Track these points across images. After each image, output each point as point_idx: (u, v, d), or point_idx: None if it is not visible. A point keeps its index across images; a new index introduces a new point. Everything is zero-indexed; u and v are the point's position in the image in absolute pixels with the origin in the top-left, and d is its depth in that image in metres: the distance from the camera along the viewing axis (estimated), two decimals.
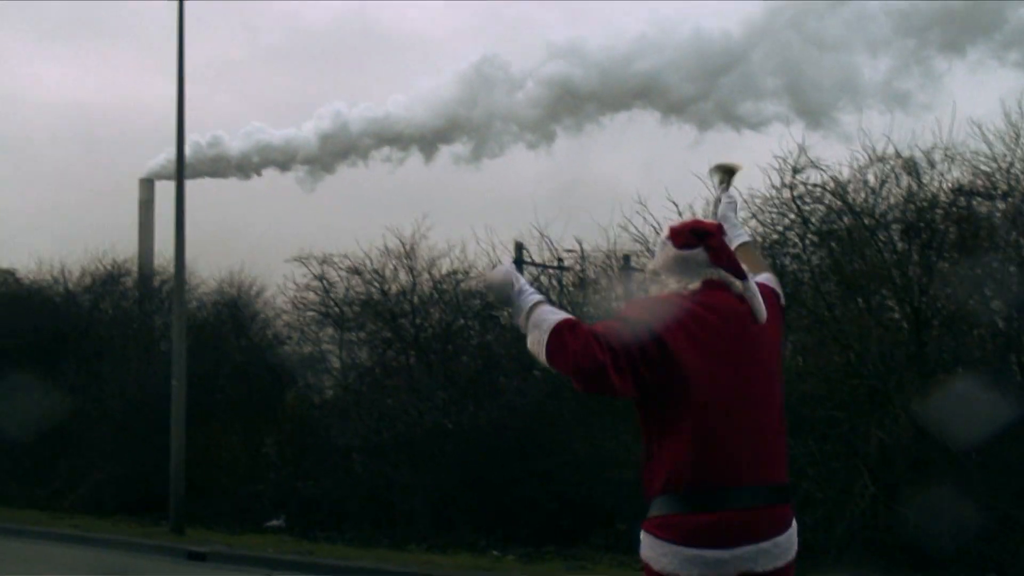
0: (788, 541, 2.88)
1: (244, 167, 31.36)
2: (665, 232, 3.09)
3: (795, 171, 11.58)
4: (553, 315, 2.83)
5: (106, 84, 50.16)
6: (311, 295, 16.85)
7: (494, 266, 3.20)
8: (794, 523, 2.93)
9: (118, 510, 15.77)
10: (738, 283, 2.94)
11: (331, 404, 15.25)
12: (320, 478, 13.41)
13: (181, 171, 14.72)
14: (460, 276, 15.39)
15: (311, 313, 17.03)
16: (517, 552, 11.16)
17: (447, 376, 13.24)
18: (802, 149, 11.42)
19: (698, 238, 2.96)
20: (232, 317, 17.75)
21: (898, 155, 10.15)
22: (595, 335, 2.73)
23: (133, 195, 37.03)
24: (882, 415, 9.03)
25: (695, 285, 2.94)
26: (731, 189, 3.60)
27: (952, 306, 9.58)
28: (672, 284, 2.98)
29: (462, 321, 14.91)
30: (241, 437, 14.53)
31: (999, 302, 9.91)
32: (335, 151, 28.91)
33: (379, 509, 12.68)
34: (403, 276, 15.75)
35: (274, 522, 13.83)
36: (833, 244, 11.36)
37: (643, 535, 2.90)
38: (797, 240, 12.12)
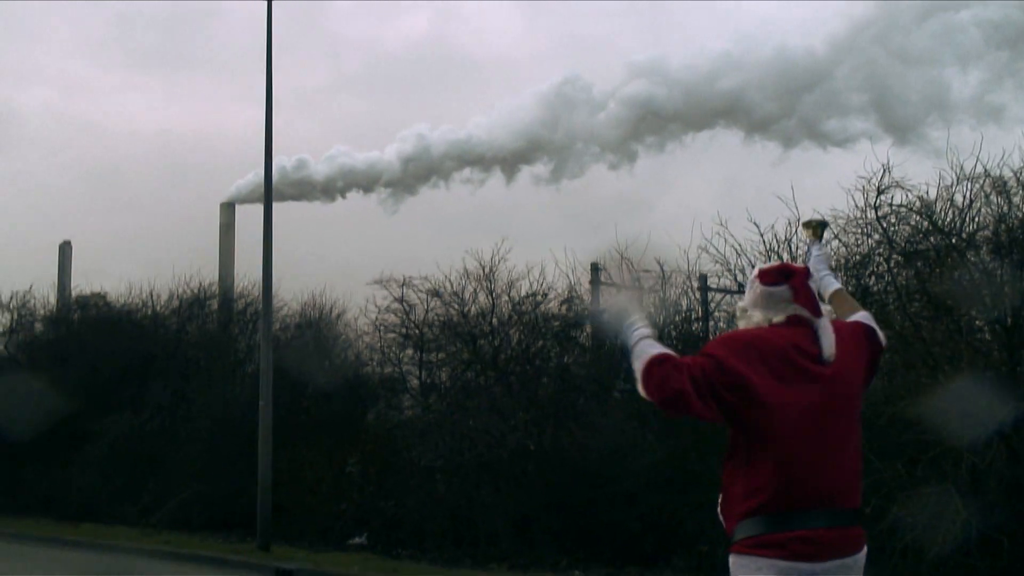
0: (862, 559, 3.16)
1: (328, 190, 31.92)
2: (755, 272, 3.48)
3: (879, 191, 11.48)
4: (651, 349, 3.18)
5: (190, 112, 51.65)
6: (391, 317, 17.15)
7: (613, 298, 3.66)
8: (865, 546, 3.19)
9: (204, 527, 16.13)
10: (813, 320, 3.26)
11: (412, 424, 15.42)
12: (402, 497, 13.56)
13: (269, 194, 15.07)
14: (539, 298, 15.51)
15: (391, 335, 17.30)
16: (599, 573, 11.16)
17: (528, 397, 13.33)
18: (886, 169, 11.32)
19: (784, 277, 3.33)
20: (315, 339, 18.09)
21: (987, 174, 9.99)
22: (680, 366, 3.09)
23: (215, 219, 38.01)
24: (974, 438, 8.85)
25: (780, 319, 3.26)
26: (822, 241, 4.00)
27: None
28: (758, 318, 3.33)
29: (541, 343, 15.00)
30: (325, 457, 14.74)
31: None
32: (417, 173, 29.31)
33: (461, 528, 12.77)
34: (482, 298, 15.95)
35: (356, 540, 14.00)
36: (919, 264, 11.22)
37: (734, 557, 3.12)
38: (882, 261, 11.98)
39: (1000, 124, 18.85)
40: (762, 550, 3.02)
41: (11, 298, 22.16)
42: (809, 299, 3.30)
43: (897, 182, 11.28)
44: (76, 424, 18.40)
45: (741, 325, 3.42)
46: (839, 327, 3.32)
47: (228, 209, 38.08)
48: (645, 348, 3.18)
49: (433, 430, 13.91)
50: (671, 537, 11.10)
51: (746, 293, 3.47)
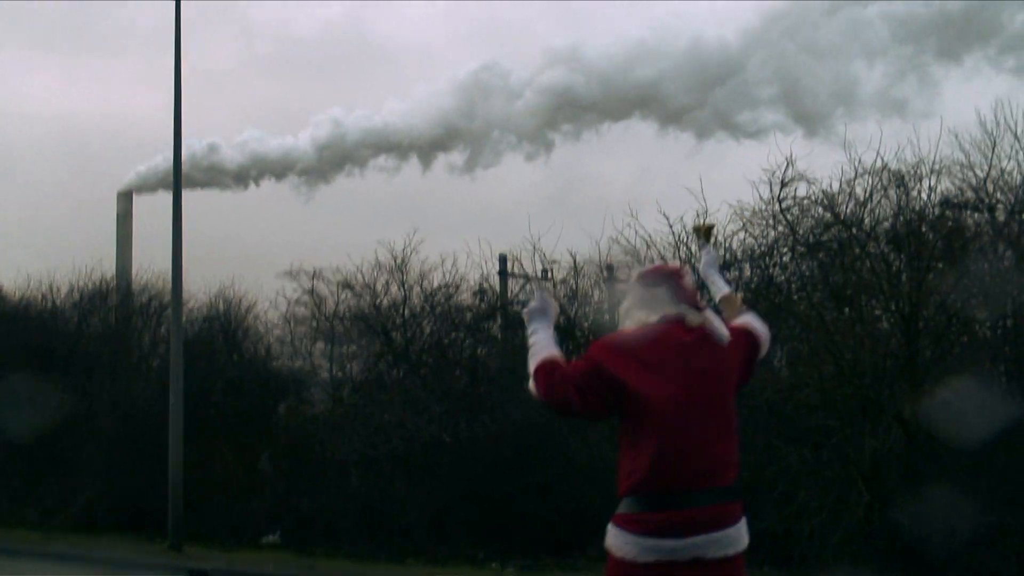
0: (737, 533, 3.37)
1: (241, 177, 31.21)
2: (634, 275, 3.73)
3: (783, 184, 11.79)
4: (543, 352, 3.55)
5: (92, 96, 49.99)
6: (302, 310, 16.99)
7: (533, 297, 3.77)
8: (743, 519, 3.41)
9: (111, 528, 15.75)
10: (696, 315, 3.51)
11: (325, 418, 15.31)
12: (316, 493, 13.45)
13: (178, 181, 14.70)
14: (451, 289, 15.53)
15: (302, 328, 17.14)
16: (516, 564, 11.27)
17: (441, 389, 13.35)
18: (789, 162, 11.63)
19: (662, 278, 3.61)
20: (224, 332, 17.79)
21: (885, 167, 10.36)
22: (566, 376, 3.43)
23: (113, 208, 36.94)
24: (875, 424, 9.20)
25: (655, 318, 3.50)
26: (710, 244, 4.23)
27: (941, 316, 9.78)
28: (639, 316, 3.56)
29: (453, 334, 15.02)
30: (236, 452, 14.52)
31: (986, 311, 10.13)
32: (332, 160, 28.86)
33: (376, 523, 12.75)
34: (394, 289, 15.89)
35: (270, 537, 13.85)
36: (821, 255, 11.57)
37: (610, 528, 3.45)
38: (787, 251, 12.32)
39: (904, 117, 19.49)
40: (632, 525, 3.34)
41: None
42: (688, 295, 3.55)
43: (801, 175, 11.60)
44: None
45: (625, 325, 3.61)
46: (732, 331, 3.61)
47: (125, 198, 37.03)
48: (540, 352, 3.54)
49: (346, 424, 13.83)
50: (586, 526, 11.26)
51: (628, 294, 3.69)
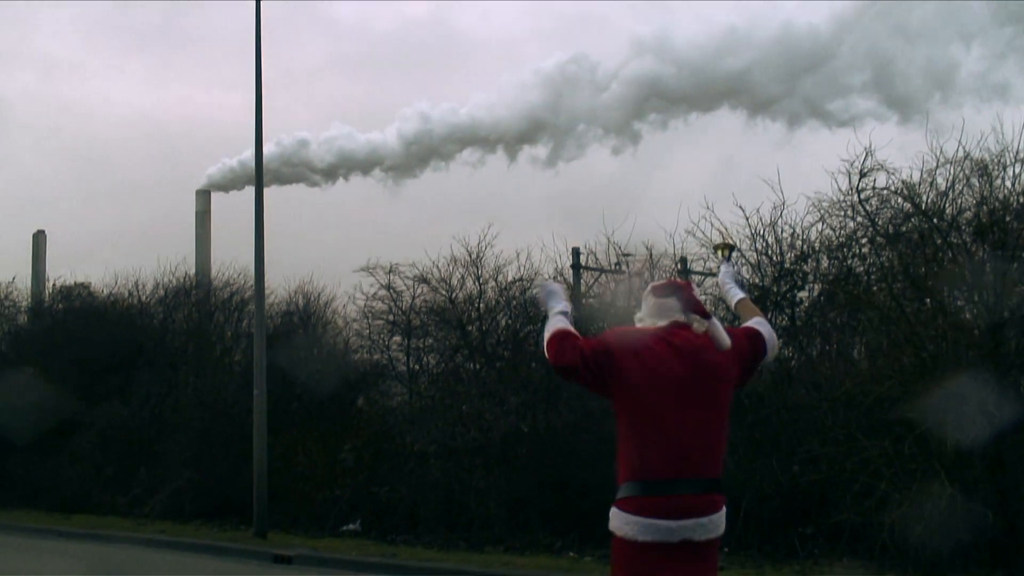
0: (719, 519, 3.75)
1: (330, 173, 31.54)
2: (648, 288, 4.08)
3: (862, 174, 11.69)
4: (559, 324, 3.93)
5: (176, 97, 51.27)
6: (379, 304, 17.27)
7: (540, 284, 4.19)
8: (723, 508, 3.77)
9: (197, 516, 16.23)
10: (703, 322, 3.86)
11: (404, 410, 15.57)
12: (396, 483, 13.70)
13: (260, 179, 15.05)
14: (526, 283, 15.67)
15: (379, 321, 17.43)
16: (594, 553, 11.36)
17: (518, 381, 13.49)
18: (869, 152, 11.53)
19: (673, 290, 3.98)
20: (304, 326, 18.18)
21: (968, 156, 10.22)
22: (576, 344, 3.81)
23: (191, 207, 37.83)
24: (958, 416, 9.11)
25: (663, 323, 3.88)
26: (730, 261, 4.62)
27: None
28: (648, 323, 3.95)
29: (529, 327, 15.16)
30: (317, 443, 14.86)
31: None
32: (419, 154, 29.05)
33: (455, 512, 12.95)
34: (470, 284, 16.10)
35: (350, 526, 14.15)
36: (901, 247, 11.44)
37: (613, 511, 3.81)
38: (865, 242, 12.21)
39: (1006, 101, 18.94)
40: (632, 508, 3.71)
41: None
42: (697, 306, 3.92)
43: (880, 164, 11.50)
44: (64, 415, 18.41)
45: (639, 326, 4.01)
46: (727, 330, 3.96)
47: (203, 196, 37.89)
48: (555, 323, 3.94)
49: (426, 415, 14.07)
50: None
51: (643, 303, 4.06)
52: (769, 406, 11.31)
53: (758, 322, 4.15)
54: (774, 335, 4.14)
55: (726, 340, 3.86)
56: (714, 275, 14.00)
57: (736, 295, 4.43)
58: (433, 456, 13.21)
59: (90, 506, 17.76)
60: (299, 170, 32.02)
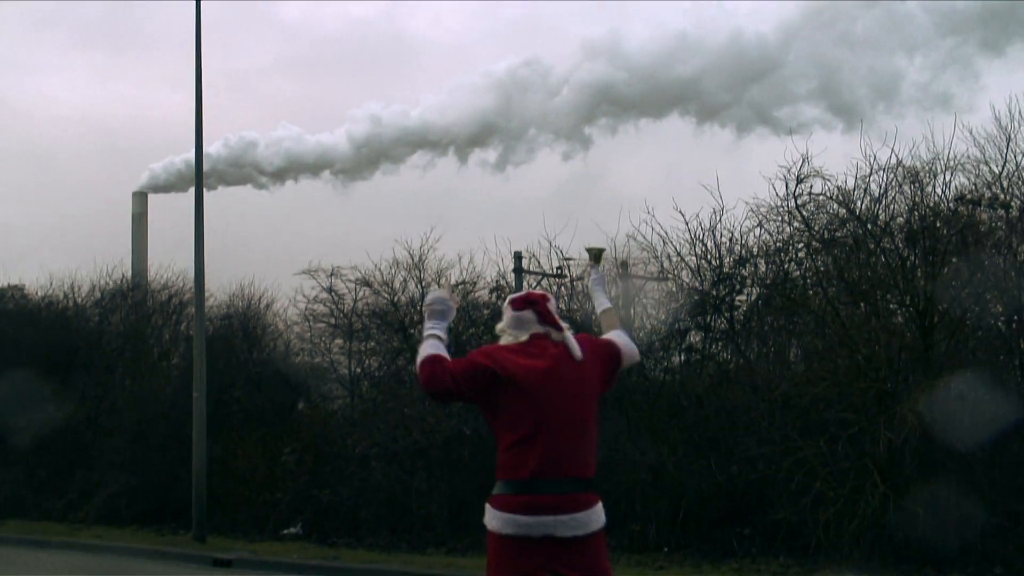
0: (586, 518, 3.96)
1: (279, 175, 31.08)
2: (506, 301, 4.33)
3: (799, 180, 11.95)
4: (430, 350, 4.12)
5: (117, 96, 50.37)
6: (320, 307, 17.19)
7: (430, 300, 4.36)
8: (596, 506, 4.01)
9: (134, 521, 16.01)
10: (558, 333, 4.12)
11: (347, 413, 15.53)
12: (337, 486, 13.66)
13: (200, 181, 14.88)
14: (468, 286, 15.73)
15: (320, 324, 17.35)
16: None
17: None
18: (805, 158, 11.80)
19: (529, 303, 4.21)
20: (243, 329, 18.03)
21: (900, 164, 10.52)
22: (445, 368, 4.04)
23: (127, 208, 37.16)
24: (890, 416, 9.35)
25: (524, 337, 4.14)
26: (599, 266, 4.87)
27: (955, 310, 9.92)
28: (510, 337, 4.18)
29: (472, 330, 15.20)
30: (258, 447, 14.75)
31: (1000, 306, 10.28)
32: (370, 158, 28.77)
33: (397, 515, 12.95)
34: (412, 286, 16.12)
35: (291, 529, 14.06)
36: (836, 252, 11.71)
37: (487, 507, 4.09)
38: (802, 247, 12.47)
39: (948, 111, 19.42)
40: (498, 504, 4.00)
41: None
42: (551, 319, 4.17)
43: (816, 171, 11.76)
44: None
45: (502, 342, 4.23)
46: (584, 339, 4.21)
47: (141, 198, 37.26)
48: (427, 348, 4.13)
49: (367, 418, 14.04)
50: (608, 517, 11.43)
51: (503, 316, 4.29)
52: (708, 407, 11.50)
53: (616, 334, 4.39)
54: (632, 345, 4.39)
55: (578, 350, 4.11)
56: (656, 279, 14.22)
57: (602, 304, 4.67)
58: (375, 459, 13.19)
59: (23, 511, 17.42)
60: (246, 171, 31.61)
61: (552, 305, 4.24)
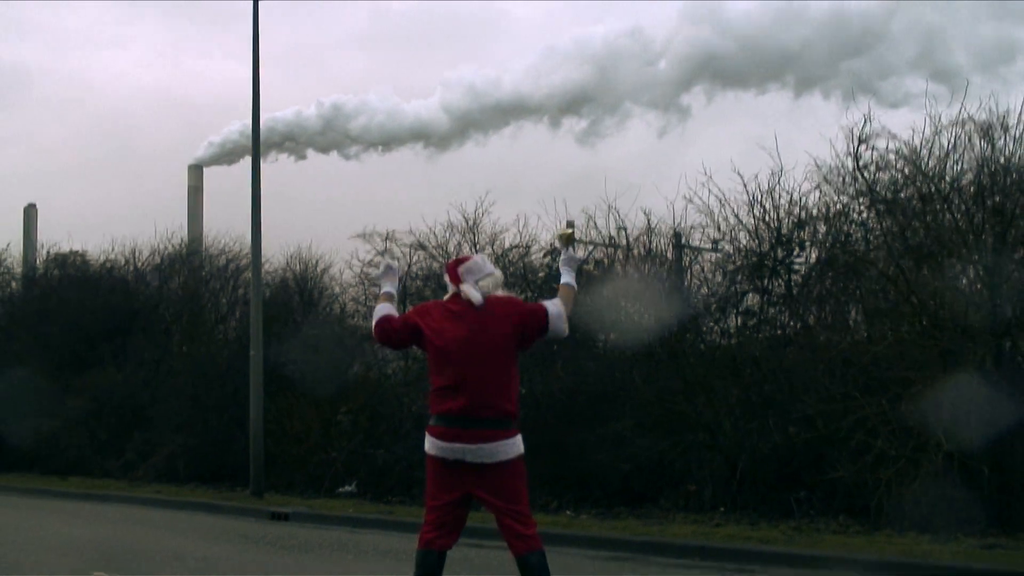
0: (493, 449, 4.81)
1: (372, 144, 30.77)
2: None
3: (860, 140, 11.69)
4: (378, 312, 5.25)
5: (181, 69, 50.93)
6: (375, 271, 17.22)
7: (381, 264, 5.54)
8: (508, 439, 4.83)
9: (191, 479, 16.28)
10: (458, 288, 4.99)
11: (400, 375, 15.59)
12: (392, 445, 13.74)
13: (257, 147, 15.08)
14: (522, 249, 15.67)
15: (375, 288, 17.39)
16: (589, 513, 11.42)
17: None
18: (867, 118, 11.53)
19: (447, 269, 5.15)
20: (300, 292, 18.18)
21: (970, 118, 10.24)
22: (391, 324, 5.16)
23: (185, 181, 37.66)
24: (955, 375, 9.16)
25: (448, 295, 5.07)
26: (570, 247, 5.46)
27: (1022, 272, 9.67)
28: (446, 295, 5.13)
29: (528, 293, 15.16)
30: (313, 408, 14.88)
31: None
32: (461, 127, 28.40)
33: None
34: (467, 250, 16.07)
35: (346, 488, 14.19)
36: (899, 215, 11.44)
37: (425, 434, 5.02)
38: (864, 210, 12.22)
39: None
40: (429, 431, 4.96)
41: None
42: (454, 278, 5.04)
43: (880, 130, 11.48)
44: (59, 380, 18.41)
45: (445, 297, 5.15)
46: (501, 300, 5.01)
47: (196, 171, 37.73)
48: (378, 310, 5.24)
49: (423, 378, 14.07)
50: (659, 477, 11.39)
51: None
52: (765, 368, 11.37)
53: (552, 302, 5.09)
54: (562, 312, 5.04)
55: (477, 298, 4.90)
56: (707, 250, 14.05)
57: (564, 280, 5.31)
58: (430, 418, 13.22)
59: (85, 471, 17.79)
60: (337, 138, 31.32)
61: (467, 266, 5.05)
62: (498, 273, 5.16)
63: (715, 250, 13.91)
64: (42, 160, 47.83)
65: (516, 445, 4.88)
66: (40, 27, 53.51)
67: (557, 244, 6.40)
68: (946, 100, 11.05)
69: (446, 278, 5.12)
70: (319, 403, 14.99)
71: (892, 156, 11.05)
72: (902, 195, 11.61)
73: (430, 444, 4.93)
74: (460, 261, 5.15)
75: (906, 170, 10.82)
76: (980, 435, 9.04)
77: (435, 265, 16.30)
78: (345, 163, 32.54)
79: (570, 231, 5.72)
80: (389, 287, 5.33)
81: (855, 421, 9.50)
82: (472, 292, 4.94)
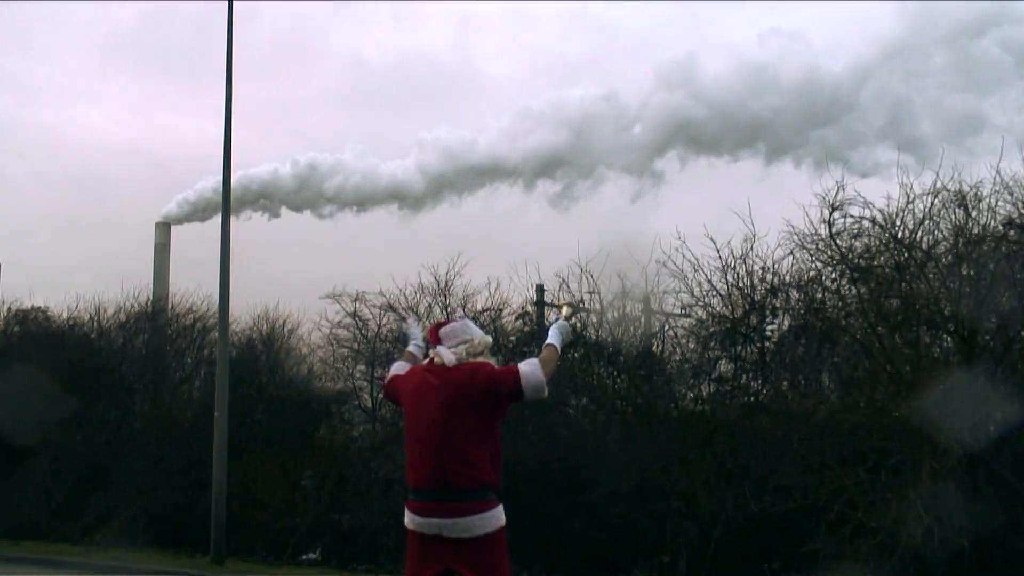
0: (469, 523, 4.56)
1: (347, 204, 30.57)
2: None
3: (833, 207, 11.70)
4: (393, 370, 5.17)
5: (162, 125, 50.81)
6: (344, 332, 17.01)
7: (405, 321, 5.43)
8: (485, 512, 4.61)
9: (150, 544, 15.74)
10: (435, 350, 4.81)
11: (368, 439, 15.29)
12: (357, 510, 13.41)
13: (227, 206, 14.93)
14: (494, 313, 15.50)
15: (344, 349, 17.15)
16: None
17: None
18: (840, 185, 11.56)
19: (429, 333, 4.99)
20: (267, 352, 17.88)
21: (944, 188, 10.27)
22: (395, 378, 5.06)
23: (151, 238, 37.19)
24: (935, 445, 9.04)
25: (427, 359, 4.89)
26: (567, 318, 5.38)
27: (1002, 336, 9.63)
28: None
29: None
30: (278, 471, 14.53)
31: None
32: (435, 189, 28.31)
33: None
34: (437, 312, 15.89)
35: (310, 555, 13.81)
36: (873, 283, 11.40)
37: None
38: (837, 277, 12.19)
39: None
40: (407, 505, 4.71)
41: None
42: (434, 340, 4.88)
43: (851, 199, 11.50)
44: (16, 439, 17.89)
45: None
46: (477, 364, 4.76)
47: (163, 228, 37.36)
48: (394, 369, 5.16)
49: (391, 443, 13.78)
50: (633, 546, 11.14)
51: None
52: (740, 436, 11.21)
53: (527, 361, 4.84)
54: (537, 373, 4.74)
55: (448, 359, 4.72)
56: (677, 315, 13.97)
57: (547, 340, 5.10)
58: (398, 483, 12.90)
59: (39, 533, 17.21)
60: (311, 197, 31.12)
61: (445, 330, 4.89)
62: (480, 339, 4.94)
63: (686, 315, 13.86)
64: (9, 214, 47.30)
65: (495, 517, 4.67)
66: (11, 78, 53.36)
67: (562, 313, 5.78)
68: (915, 170, 11.16)
69: (428, 341, 5.00)
70: (284, 466, 14.65)
71: (867, 223, 11.03)
72: (875, 263, 11.61)
73: (408, 518, 4.71)
74: (440, 324, 5.00)
75: (884, 236, 10.79)
76: (962, 507, 8.90)
77: (403, 326, 16.13)
78: (319, 222, 32.40)
79: (579, 304, 5.66)
80: (412, 346, 5.34)
81: (833, 491, 9.33)
82: (445, 354, 4.75)
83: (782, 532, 10.07)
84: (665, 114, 23.92)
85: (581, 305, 4.59)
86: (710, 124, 23.56)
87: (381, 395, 6.94)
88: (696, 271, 13.22)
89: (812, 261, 12.33)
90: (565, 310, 5.64)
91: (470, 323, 5.14)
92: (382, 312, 16.46)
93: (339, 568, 12.94)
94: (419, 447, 4.67)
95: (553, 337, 5.09)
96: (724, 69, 24.15)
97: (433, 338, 4.89)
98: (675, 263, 12.95)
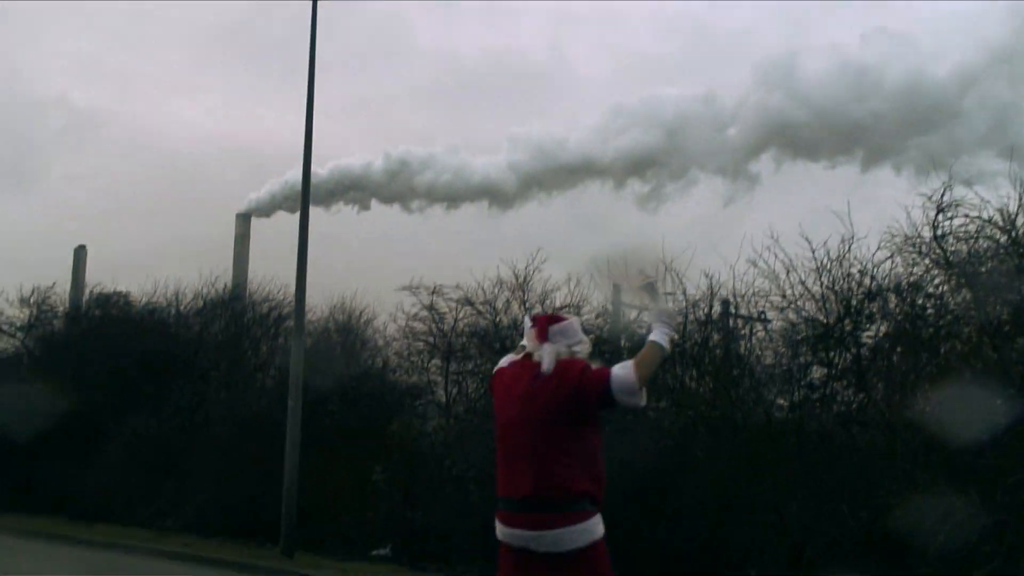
0: (556, 536, 4.24)
1: (436, 198, 30.62)
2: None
3: (939, 210, 11.08)
4: (501, 361, 4.82)
5: (246, 117, 51.55)
6: (420, 325, 16.72)
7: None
8: (575, 525, 4.24)
9: (220, 533, 15.66)
10: (539, 347, 4.42)
11: (441, 435, 14.97)
12: (430, 508, 13.09)
13: (306, 196, 14.81)
14: (573, 310, 15.07)
15: (419, 343, 16.86)
16: None
17: None
18: (947, 186, 10.94)
19: (533, 322, 4.59)
20: (342, 343, 17.68)
21: None
22: (496, 373, 4.75)
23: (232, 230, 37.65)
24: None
25: (523, 354, 4.58)
26: (657, 300, 4.85)
27: None
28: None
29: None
30: (349, 463, 14.27)
31: None
32: (526, 186, 28.10)
33: (492, 540, 12.26)
34: (515, 308, 15.51)
35: (380, 551, 13.55)
36: (980, 289, 10.75)
37: None
38: (941, 283, 11.55)
39: None
40: (496, 515, 4.50)
41: (32, 293, 21.79)
42: (541, 336, 4.46)
43: (960, 200, 10.91)
44: (93, 422, 17.99)
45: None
46: (569, 363, 4.35)
47: (243, 219, 37.81)
48: (503, 360, 4.83)
49: (465, 439, 13.44)
50: (719, 559, 10.61)
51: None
52: (836, 447, 10.61)
53: (621, 364, 4.39)
54: (632, 375, 4.23)
55: (547, 365, 4.31)
56: (757, 320, 13.42)
57: (650, 337, 4.53)
58: (472, 482, 12.55)
59: (113, 517, 17.27)
60: (402, 191, 31.07)
61: (561, 327, 4.47)
62: (588, 342, 4.61)
63: (764, 320, 13.35)
64: (100, 200, 48.37)
65: (587, 531, 4.29)
66: (113, 71, 54.56)
67: (639, 299, 5.55)
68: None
69: (531, 332, 4.51)
70: (355, 458, 14.39)
71: (981, 223, 10.35)
72: (983, 268, 10.95)
73: (498, 528, 4.50)
74: (554, 319, 4.56)
75: (1002, 238, 10.09)
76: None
77: (481, 321, 15.78)
78: (407, 216, 32.29)
79: (650, 279, 4.80)
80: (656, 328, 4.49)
81: (943, 513, 8.69)
82: (547, 356, 4.36)
83: (884, 552, 9.45)
84: (762, 116, 23.22)
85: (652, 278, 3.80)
86: (808, 127, 22.79)
87: (486, 388, 6.03)
88: (789, 272, 12.64)
89: (914, 265, 11.71)
90: (643, 291, 4.86)
91: (579, 324, 4.69)
92: (459, 306, 16.17)
93: (410, 565, 12.64)
94: (504, 453, 4.40)
95: (657, 332, 4.47)
96: (825, 70, 23.30)
97: (541, 334, 4.46)
98: (767, 262, 12.37)
